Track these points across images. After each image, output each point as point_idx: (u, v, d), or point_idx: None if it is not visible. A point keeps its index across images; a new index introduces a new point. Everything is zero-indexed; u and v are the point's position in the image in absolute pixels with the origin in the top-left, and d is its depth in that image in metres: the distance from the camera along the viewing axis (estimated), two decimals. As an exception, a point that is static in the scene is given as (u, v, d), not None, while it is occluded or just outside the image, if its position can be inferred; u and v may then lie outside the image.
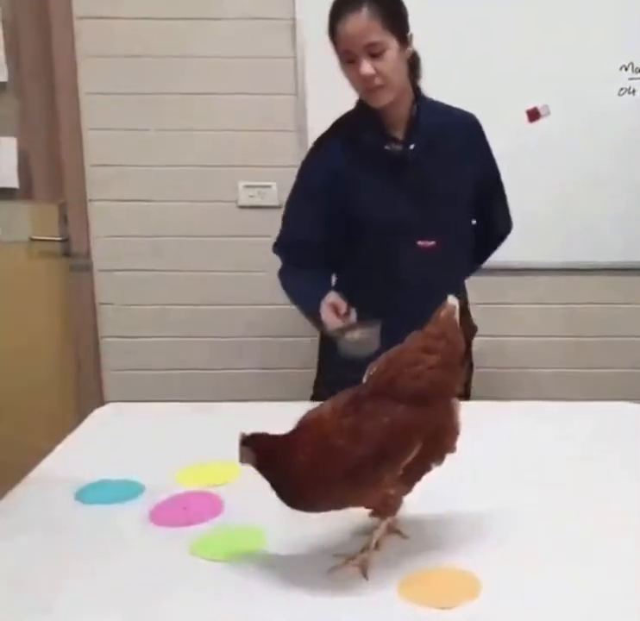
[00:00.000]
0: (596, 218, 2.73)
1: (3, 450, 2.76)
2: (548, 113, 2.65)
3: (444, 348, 1.17)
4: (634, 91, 2.63)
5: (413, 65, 1.94)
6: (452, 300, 1.17)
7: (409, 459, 1.13)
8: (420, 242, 1.93)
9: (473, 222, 2.09)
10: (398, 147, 1.92)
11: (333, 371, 2.01)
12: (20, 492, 1.44)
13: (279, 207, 2.74)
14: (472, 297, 2.75)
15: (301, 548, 1.21)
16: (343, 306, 1.79)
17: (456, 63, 2.61)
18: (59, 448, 1.62)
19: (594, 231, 2.74)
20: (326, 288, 1.89)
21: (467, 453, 1.55)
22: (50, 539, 1.25)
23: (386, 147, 1.91)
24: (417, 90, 1.95)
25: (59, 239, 2.85)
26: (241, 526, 1.29)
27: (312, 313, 1.86)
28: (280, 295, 2.74)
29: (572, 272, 2.81)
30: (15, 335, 2.92)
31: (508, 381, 2.88)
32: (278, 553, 1.20)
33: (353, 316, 1.78)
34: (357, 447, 1.09)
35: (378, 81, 1.79)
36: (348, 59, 1.80)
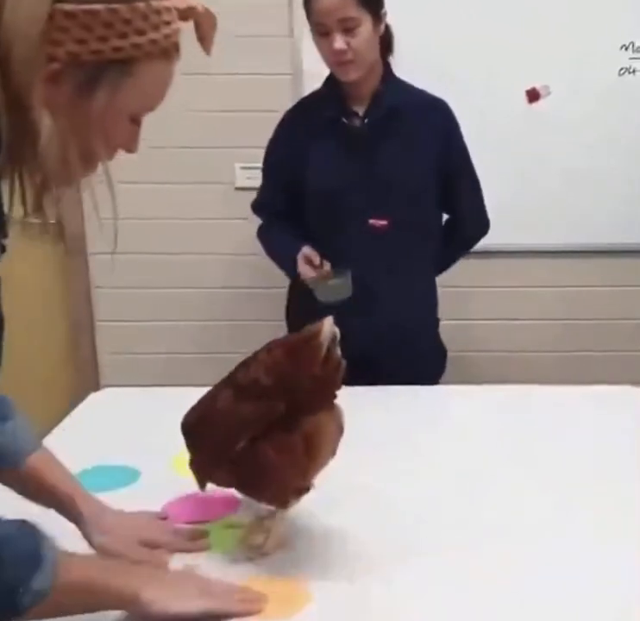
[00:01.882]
0: (595, 200, 2.71)
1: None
2: (548, 93, 2.63)
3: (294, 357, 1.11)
4: (634, 71, 2.61)
5: (386, 42, 1.93)
6: (327, 321, 1.08)
7: (236, 446, 1.11)
8: (371, 220, 1.92)
9: (445, 216, 2.07)
10: (356, 122, 1.92)
11: (296, 323, 2.04)
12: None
13: (275, 189, 2.74)
14: (470, 281, 2.74)
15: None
16: (317, 258, 1.89)
17: (455, 43, 2.59)
18: (54, 432, 1.61)
19: (593, 213, 2.72)
20: (299, 242, 1.95)
21: (467, 438, 1.56)
22: (45, 525, 1.24)
23: (344, 120, 1.92)
24: (387, 67, 1.95)
25: (53, 222, 2.82)
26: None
27: (288, 265, 1.98)
28: (278, 278, 2.73)
29: (570, 254, 2.79)
30: (9, 319, 2.90)
31: (505, 365, 2.87)
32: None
33: (326, 266, 1.88)
34: (201, 423, 1.17)
35: (349, 56, 1.80)
36: (321, 32, 1.80)
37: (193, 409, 1.20)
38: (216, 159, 2.73)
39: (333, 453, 1.16)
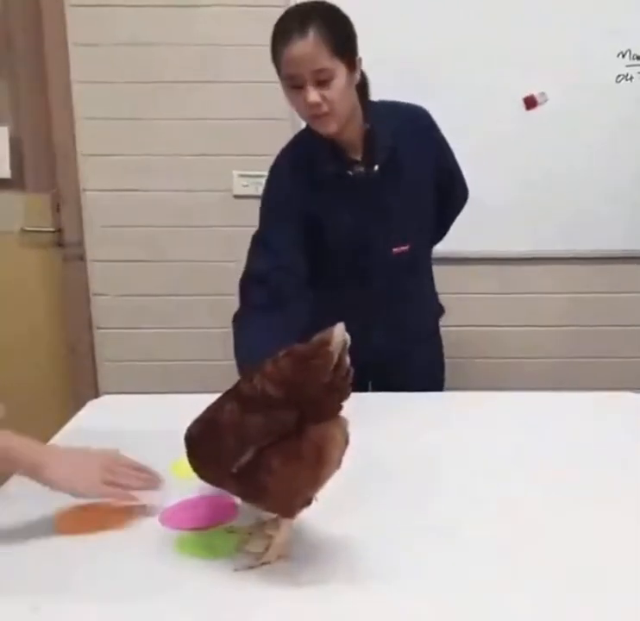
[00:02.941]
0: (593, 206, 2.72)
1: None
2: (545, 100, 2.64)
3: (302, 369, 1.10)
4: (631, 78, 2.62)
5: (362, 87, 1.84)
6: (338, 327, 1.08)
7: (241, 459, 1.11)
8: (394, 249, 1.90)
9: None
10: (361, 169, 1.84)
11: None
12: (14, 484, 1.42)
13: (274, 196, 2.74)
14: (470, 287, 2.74)
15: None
16: None
17: (453, 51, 2.59)
18: (53, 439, 1.61)
19: (592, 219, 2.73)
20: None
21: (467, 445, 1.56)
22: (45, 531, 1.24)
23: (350, 173, 1.83)
24: (366, 108, 1.85)
25: (51, 229, 2.83)
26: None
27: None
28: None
29: (570, 260, 2.80)
30: (8, 326, 2.90)
31: (506, 371, 2.87)
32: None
33: None
34: (205, 436, 1.19)
35: (324, 108, 1.68)
36: (293, 85, 1.68)
37: (197, 421, 1.20)
38: (214, 166, 2.74)
39: (339, 463, 1.15)
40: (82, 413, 1.79)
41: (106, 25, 2.65)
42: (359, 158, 1.84)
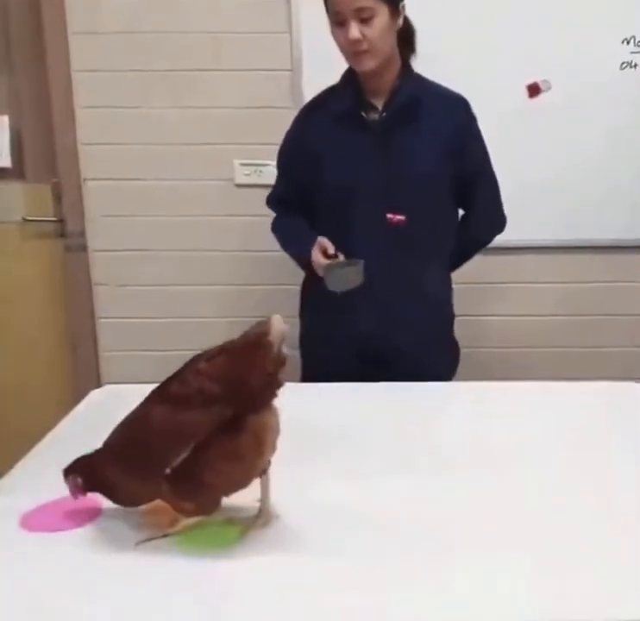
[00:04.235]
0: (597, 195, 2.70)
1: (-1, 433, 2.75)
2: (548, 88, 2.62)
3: (236, 364, 1.12)
4: (636, 65, 2.60)
5: (406, 37, 1.93)
6: (276, 318, 1.11)
7: (177, 459, 1.10)
8: (389, 214, 1.91)
9: (460, 212, 2.06)
10: (375, 116, 1.92)
11: (307, 328, 2.11)
12: (16, 474, 1.42)
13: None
14: (475, 277, 2.72)
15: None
16: (331, 247, 1.90)
17: (456, 38, 2.58)
18: (55, 429, 1.61)
19: (595, 208, 2.72)
20: (313, 234, 1.96)
21: (472, 434, 1.56)
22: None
23: (362, 114, 1.92)
24: (406, 62, 1.95)
25: (53, 219, 2.82)
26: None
27: (302, 256, 1.98)
28: (278, 274, 2.73)
29: (573, 249, 2.79)
30: (10, 317, 2.90)
31: (508, 361, 2.86)
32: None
33: (340, 257, 1.89)
34: (132, 445, 1.16)
35: (364, 46, 1.80)
36: (338, 21, 1.81)
37: (117, 432, 1.19)
38: (215, 155, 2.73)
39: (274, 449, 1.17)
40: (84, 403, 1.78)
41: (106, 14, 2.63)
42: (379, 105, 1.92)
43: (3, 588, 1.08)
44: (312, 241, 1.94)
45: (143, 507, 1.23)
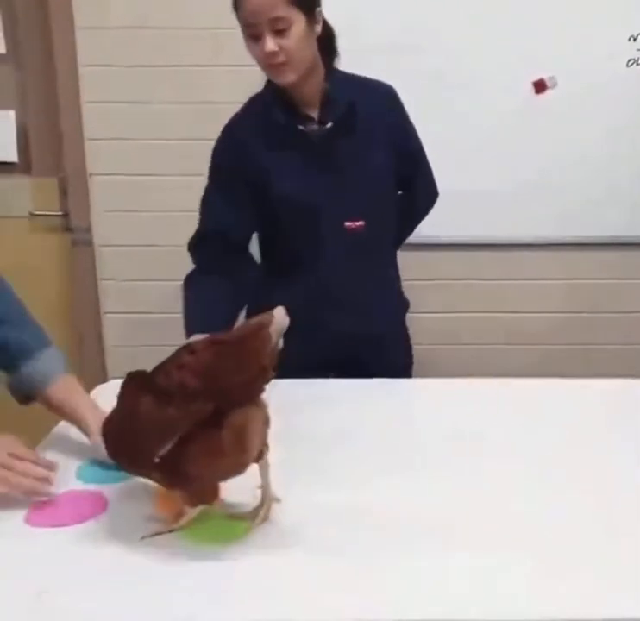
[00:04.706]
0: (601, 192, 2.70)
1: (3, 426, 2.75)
2: (555, 84, 2.62)
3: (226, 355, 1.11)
4: (642, 62, 2.60)
5: (326, 42, 1.83)
6: (278, 312, 1.11)
7: (162, 450, 1.11)
8: (347, 223, 1.85)
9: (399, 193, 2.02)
10: (314, 127, 1.83)
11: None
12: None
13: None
14: (483, 273, 2.72)
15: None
16: None
17: (463, 33, 2.57)
18: (61, 423, 1.61)
19: (600, 205, 2.71)
20: (232, 314, 1.79)
21: (466, 431, 1.56)
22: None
23: (301, 127, 1.82)
24: (329, 66, 1.85)
25: (59, 214, 2.83)
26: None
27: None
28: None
29: (574, 247, 2.78)
30: (16, 311, 2.90)
31: (506, 357, 2.87)
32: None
33: None
34: (122, 432, 1.18)
35: (281, 58, 1.69)
36: (252, 34, 1.70)
37: (109, 419, 1.20)
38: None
39: (263, 443, 1.17)
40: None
41: (112, 9, 2.63)
42: (314, 115, 1.83)
43: (7, 583, 1.08)
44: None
45: (151, 501, 1.24)
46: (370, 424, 1.59)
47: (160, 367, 1.15)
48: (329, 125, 1.82)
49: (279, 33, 1.67)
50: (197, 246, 1.93)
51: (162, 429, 1.11)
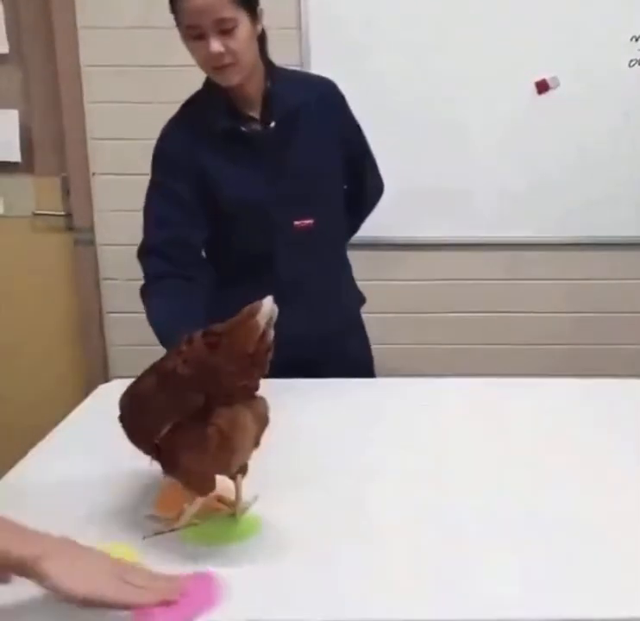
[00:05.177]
0: (603, 192, 2.70)
1: (7, 426, 2.76)
2: (557, 85, 2.62)
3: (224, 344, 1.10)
4: (644, 63, 2.60)
5: (262, 40, 1.80)
6: (266, 301, 1.10)
7: (157, 432, 1.12)
8: (296, 222, 1.82)
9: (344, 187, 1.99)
10: (257, 127, 1.78)
11: None
12: (23, 467, 1.43)
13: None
14: (489, 273, 2.71)
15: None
16: None
17: (465, 34, 2.58)
18: (62, 424, 1.62)
19: (601, 205, 2.71)
20: (199, 315, 1.65)
21: (469, 431, 1.56)
22: (54, 515, 1.24)
23: (243, 129, 1.77)
24: (268, 64, 1.83)
25: (62, 213, 2.83)
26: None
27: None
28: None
29: (583, 247, 2.78)
30: (18, 310, 2.91)
31: (507, 357, 2.87)
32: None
33: None
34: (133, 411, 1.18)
35: (228, 59, 1.65)
36: (194, 36, 1.64)
37: (126, 392, 1.21)
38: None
39: (254, 444, 1.16)
40: (92, 397, 1.79)
41: (115, 8, 2.63)
42: (256, 115, 1.80)
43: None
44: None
45: (152, 501, 1.24)
46: (368, 424, 1.60)
47: (172, 349, 1.16)
48: (272, 125, 1.78)
49: (225, 33, 1.62)
50: (148, 256, 1.79)
51: (155, 413, 1.12)
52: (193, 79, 2.68)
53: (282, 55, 2.65)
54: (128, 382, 1.95)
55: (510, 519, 1.23)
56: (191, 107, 1.84)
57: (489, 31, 2.58)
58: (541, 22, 2.56)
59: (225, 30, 1.62)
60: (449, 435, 1.55)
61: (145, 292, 1.77)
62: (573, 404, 1.70)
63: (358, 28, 2.57)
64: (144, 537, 1.17)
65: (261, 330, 1.08)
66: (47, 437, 1.56)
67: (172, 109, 2.73)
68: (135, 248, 2.79)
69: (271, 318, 1.10)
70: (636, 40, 2.57)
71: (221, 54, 1.64)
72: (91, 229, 2.81)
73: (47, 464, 1.44)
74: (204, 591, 1.04)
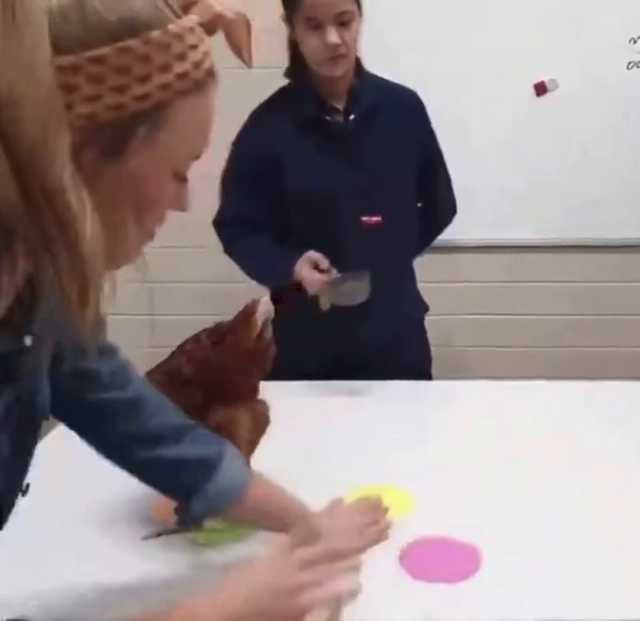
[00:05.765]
0: (602, 193, 2.70)
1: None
2: (555, 87, 2.61)
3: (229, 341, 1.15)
4: (642, 65, 2.59)
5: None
6: (263, 300, 1.15)
7: None
8: (364, 218, 1.86)
9: (418, 205, 2.02)
10: (339, 118, 1.87)
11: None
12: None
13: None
14: (485, 276, 2.70)
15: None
16: (324, 261, 1.77)
17: (464, 36, 2.58)
18: (56, 430, 1.60)
19: (600, 207, 2.71)
20: (289, 250, 1.84)
21: (471, 433, 1.55)
22: (51, 517, 1.24)
23: (327, 118, 1.85)
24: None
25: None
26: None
27: (281, 276, 1.81)
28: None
29: (577, 249, 2.78)
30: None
31: (510, 360, 2.86)
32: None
33: (333, 271, 1.77)
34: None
35: (342, 50, 1.75)
36: (313, 26, 1.74)
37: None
38: (219, 150, 2.71)
39: (250, 445, 1.17)
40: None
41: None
42: (340, 107, 1.87)
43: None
44: (292, 261, 1.80)
45: (152, 503, 1.24)
46: (371, 426, 1.59)
47: (180, 346, 1.20)
48: (351, 117, 1.86)
49: (342, 25, 1.73)
50: (222, 224, 1.98)
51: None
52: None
53: (275, 57, 2.66)
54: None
55: (510, 520, 1.23)
56: (280, 95, 1.93)
57: (489, 33, 2.57)
58: (540, 24, 2.56)
59: (343, 23, 1.73)
60: (449, 435, 1.54)
61: (230, 250, 1.99)
62: (574, 406, 1.69)
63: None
64: (143, 537, 1.17)
65: (259, 328, 1.12)
66: (41, 442, 1.54)
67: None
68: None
69: (268, 318, 1.13)
70: (635, 42, 2.58)
71: (337, 45, 1.74)
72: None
73: (43, 466, 1.42)
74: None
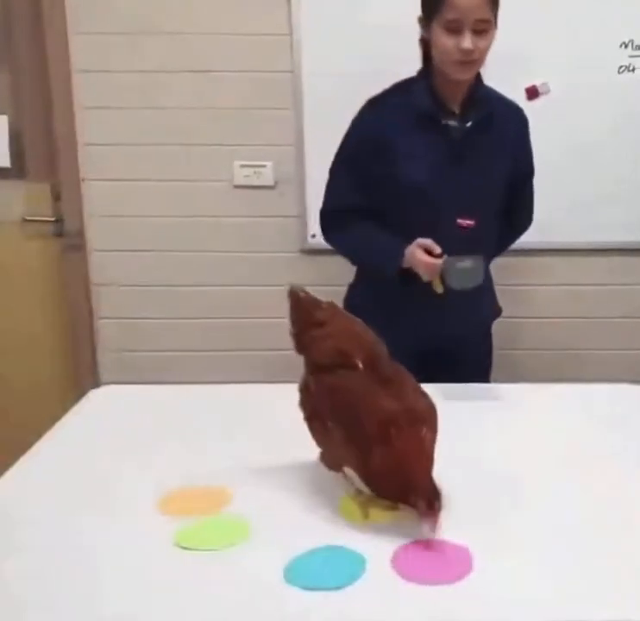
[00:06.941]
0: (593, 198, 2.70)
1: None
2: (547, 91, 2.63)
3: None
4: (634, 69, 2.60)
5: None
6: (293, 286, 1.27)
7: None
8: (459, 220, 1.93)
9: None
10: (455, 123, 1.93)
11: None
12: (13, 473, 1.42)
13: (274, 187, 2.72)
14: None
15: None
16: (437, 248, 1.84)
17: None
18: (53, 429, 1.61)
19: (593, 211, 2.72)
20: (396, 238, 1.90)
21: (468, 434, 1.56)
22: (49, 520, 1.24)
23: (446, 122, 1.91)
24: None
25: (52, 219, 2.82)
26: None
27: (391, 260, 1.89)
28: (276, 275, 2.72)
29: (568, 252, 2.79)
30: (8, 316, 2.90)
31: (517, 362, 2.86)
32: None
33: (445, 257, 1.83)
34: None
35: (474, 56, 1.82)
36: (452, 28, 1.79)
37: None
38: (214, 156, 2.73)
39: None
40: (82, 403, 1.78)
41: (107, 14, 2.63)
42: (456, 110, 1.94)
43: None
44: (401, 246, 1.87)
45: (153, 503, 1.25)
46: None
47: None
48: (469, 124, 1.92)
49: (478, 33, 1.80)
50: (330, 213, 2.03)
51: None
52: (184, 85, 2.69)
53: (274, 61, 2.68)
54: (118, 388, 1.96)
55: (503, 521, 1.23)
56: (400, 87, 1.97)
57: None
58: (531, 28, 2.55)
59: (480, 30, 1.81)
60: (447, 435, 1.54)
61: (334, 240, 2.05)
62: (574, 409, 1.70)
63: (350, 34, 2.57)
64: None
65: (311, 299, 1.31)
66: (37, 444, 1.56)
67: (164, 115, 2.74)
68: (126, 254, 2.80)
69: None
70: (626, 46, 2.58)
71: (471, 51, 1.81)
72: (82, 235, 2.80)
73: (38, 469, 1.43)
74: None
